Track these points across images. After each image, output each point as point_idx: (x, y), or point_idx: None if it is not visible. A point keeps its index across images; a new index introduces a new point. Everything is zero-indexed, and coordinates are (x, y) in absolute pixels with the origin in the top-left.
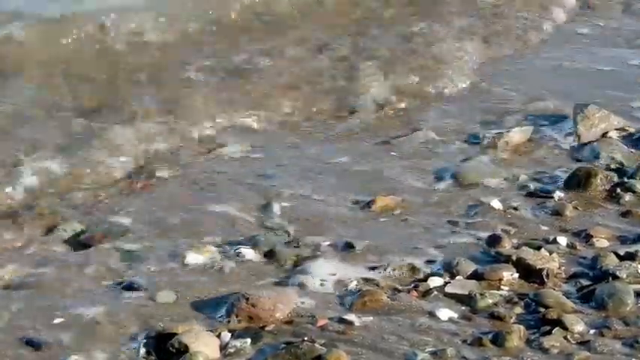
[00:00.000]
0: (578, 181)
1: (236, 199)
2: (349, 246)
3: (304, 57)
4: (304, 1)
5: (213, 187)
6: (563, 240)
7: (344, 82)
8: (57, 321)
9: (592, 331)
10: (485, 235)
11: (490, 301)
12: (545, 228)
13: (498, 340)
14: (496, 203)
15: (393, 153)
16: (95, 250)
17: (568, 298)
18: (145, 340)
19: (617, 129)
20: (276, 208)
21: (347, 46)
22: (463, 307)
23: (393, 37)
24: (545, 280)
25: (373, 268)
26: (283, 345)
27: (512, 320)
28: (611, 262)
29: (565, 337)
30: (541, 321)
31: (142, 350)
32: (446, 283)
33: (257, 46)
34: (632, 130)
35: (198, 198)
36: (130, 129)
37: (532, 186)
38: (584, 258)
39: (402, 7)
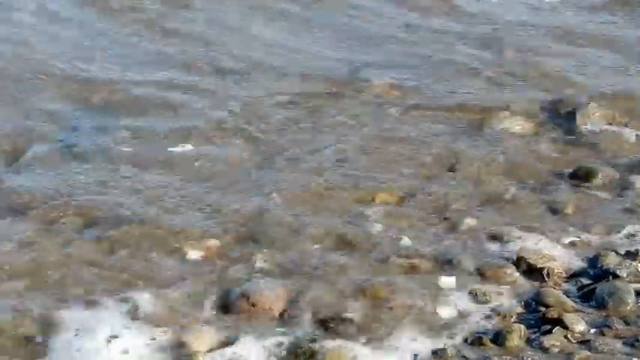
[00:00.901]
0: (579, 179)
1: None
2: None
3: None
4: None
5: None
6: (563, 238)
7: None
8: None
9: (592, 331)
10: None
11: (490, 299)
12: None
13: (499, 339)
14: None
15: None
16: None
17: (568, 297)
18: None
19: (617, 124)
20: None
21: None
22: (464, 305)
23: None
24: (546, 278)
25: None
26: (283, 342)
27: (512, 319)
28: (611, 260)
29: (565, 337)
30: (541, 320)
31: None
32: (447, 280)
33: None
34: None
35: None
36: None
37: (533, 183)
38: (585, 256)
39: None
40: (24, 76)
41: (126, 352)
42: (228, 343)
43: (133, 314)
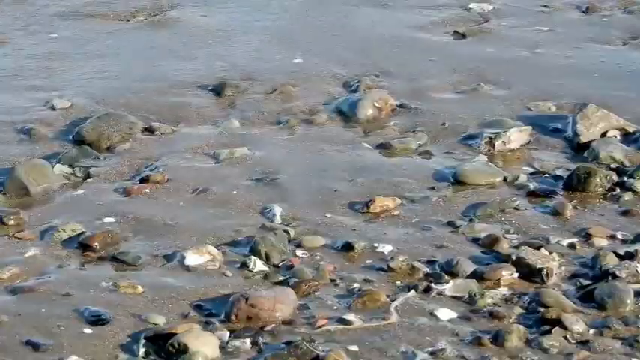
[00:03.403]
0: (577, 181)
1: None
2: (349, 246)
3: None
4: None
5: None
6: (563, 239)
7: None
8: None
9: (591, 331)
10: (484, 235)
11: (490, 300)
12: (545, 227)
13: (498, 339)
14: (495, 203)
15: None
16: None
17: (567, 297)
18: (144, 340)
19: (616, 128)
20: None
21: None
22: (463, 307)
23: None
24: (545, 279)
25: (373, 268)
26: (283, 345)
27: (511, 320)
28: (610, 261)
29: (564, 337)
30: (541, 320)
31: (142, 350)
32: (445, 283)
33: None
34: (631, 129)
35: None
36: None
37: (532, 186)
38: (584, 257)
39: None
40: None
41: None
42: (227, 343)
43: None
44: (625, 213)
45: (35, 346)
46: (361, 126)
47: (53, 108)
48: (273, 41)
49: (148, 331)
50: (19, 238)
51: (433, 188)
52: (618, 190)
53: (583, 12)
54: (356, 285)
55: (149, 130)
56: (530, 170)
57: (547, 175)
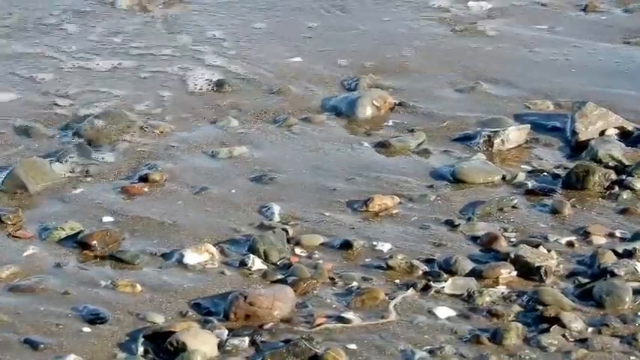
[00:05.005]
0: (576, 179)
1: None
2: (347, 245)
3: None
4: None
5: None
6: (561, 238)
7: None
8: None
9: (590, 329)
10: (482, 233)
11: (488, 298)
12: (543, 226)
13: (496, 337)
14: (494, 201)
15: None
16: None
17: (566, 295)
18: (142, 339)
19: (615, 127)
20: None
21: None
22: (461, 305)
23: None
24: (544, 277)
25: (371, 267)
26: (281, 343)
27: (510, 318)
28: (609, 259)
29: (563, 335)
30: (539, 319)
31: (140, 349)
32: (444, 282)
33: None
34: (630, 127)
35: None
36: None
37: (530, 184)
38: (583, 256)
39: None
40: None
41: None
42: (225, 342)
43: None
44: (624, 211)
45: (34, 345)
46: (360, 124)
47: (53, 106)
48: (273, 40)
49: (146, 329)
50: (18, 237)
51: (432, 187)
52: (617, 188)
53: (582, 10)
54: (355, 283)
55: (148, 129)
56: (529, 169)
57: (546, 174)
